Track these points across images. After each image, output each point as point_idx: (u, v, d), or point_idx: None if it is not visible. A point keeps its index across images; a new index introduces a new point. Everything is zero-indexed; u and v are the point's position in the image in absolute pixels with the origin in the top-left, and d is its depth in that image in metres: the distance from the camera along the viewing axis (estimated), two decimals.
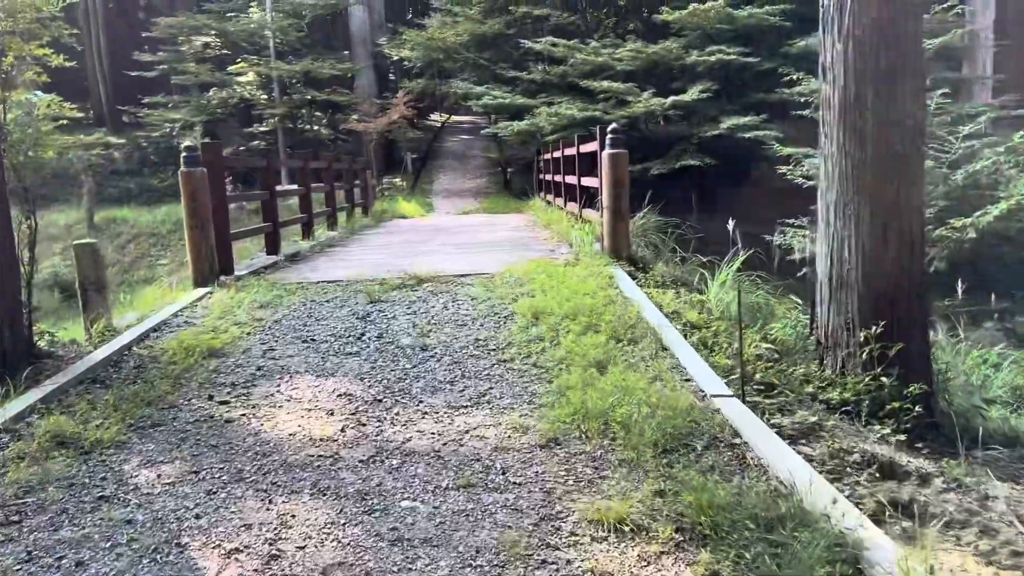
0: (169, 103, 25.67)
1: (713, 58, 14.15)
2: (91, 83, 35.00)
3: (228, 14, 24.89)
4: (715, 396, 3.98)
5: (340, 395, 4.35)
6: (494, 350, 5.04)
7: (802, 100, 10.33)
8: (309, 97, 23.72)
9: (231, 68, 24.01)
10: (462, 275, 7.45)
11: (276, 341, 5.42)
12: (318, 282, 7.38)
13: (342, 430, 3.87)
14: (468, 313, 5.95)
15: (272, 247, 9.34)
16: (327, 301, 6.56)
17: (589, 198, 9.51)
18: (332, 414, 4.07)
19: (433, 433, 3.79)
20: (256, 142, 25.61)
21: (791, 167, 9.79)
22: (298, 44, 25.03)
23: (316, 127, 24.98)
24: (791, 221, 10.03)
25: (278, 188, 12.23)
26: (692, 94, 14.33)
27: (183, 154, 7.12)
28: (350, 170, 14.89)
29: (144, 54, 25.37)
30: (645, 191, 9.07)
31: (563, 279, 6.67)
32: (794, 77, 9.80)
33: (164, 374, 4.71)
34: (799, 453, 3.52)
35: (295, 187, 11.31)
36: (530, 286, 6.60)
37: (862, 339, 4.62)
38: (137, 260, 20.64)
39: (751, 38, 15.39)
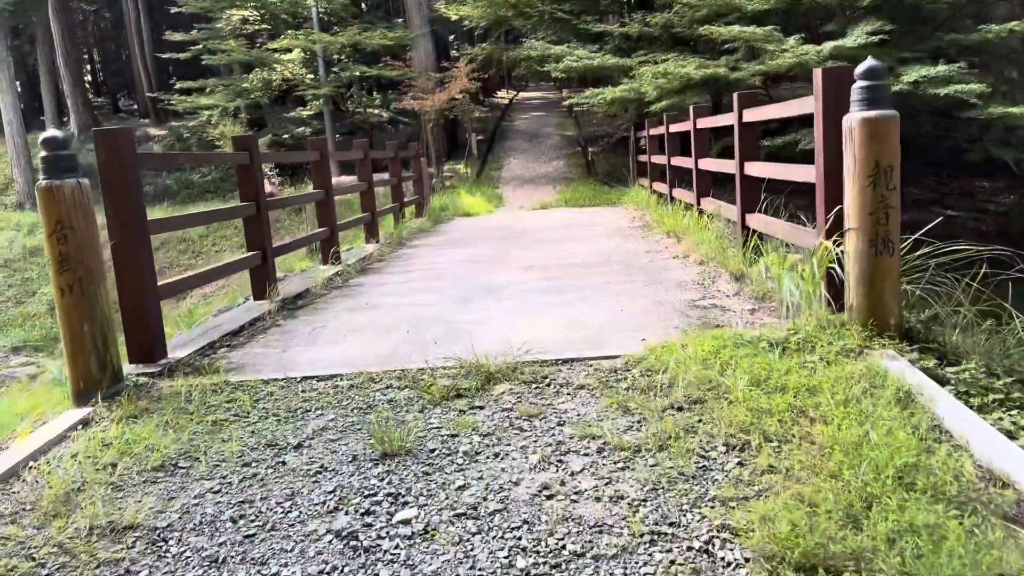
0: (207, 88, 22.86)
1: None
2: (135, 70, 32.74)
3: None
4: None
5: None
6: None
7: None
8: (358, 74, 20.44)
9: (270, 44, 20.92)
10: (564, 360, 3.94)
11: None
12: (301, 379, 3.97)
13: None
14: (606, 523, 2.43)
15: (260, 288, 6.00)
16: (296, 448, 3.14)
17: (749, 193, 5.84)
18: None
19: None
20: (302, 128, 22.58)
21: None
22: (344, 13, 21.79)
23: (368, 108, 21.75)
24: None
25: (296, 194, 8.83)
26: (855, 38, 10.38)
27: (42, 154, 3.79)
28: (397, 159, 11.52)
29: (176, 33, 22.52)
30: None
31: (795, 393, 3.08)
32: None
33: None
34: None
35: (312, 191, 7.95)
36: (729, 413, 3.03)
37: None
38: (164, 270, 17.80)
39: None
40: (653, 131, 11.01)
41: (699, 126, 7.56)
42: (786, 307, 4.23)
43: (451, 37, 33.33)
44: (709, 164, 7.25)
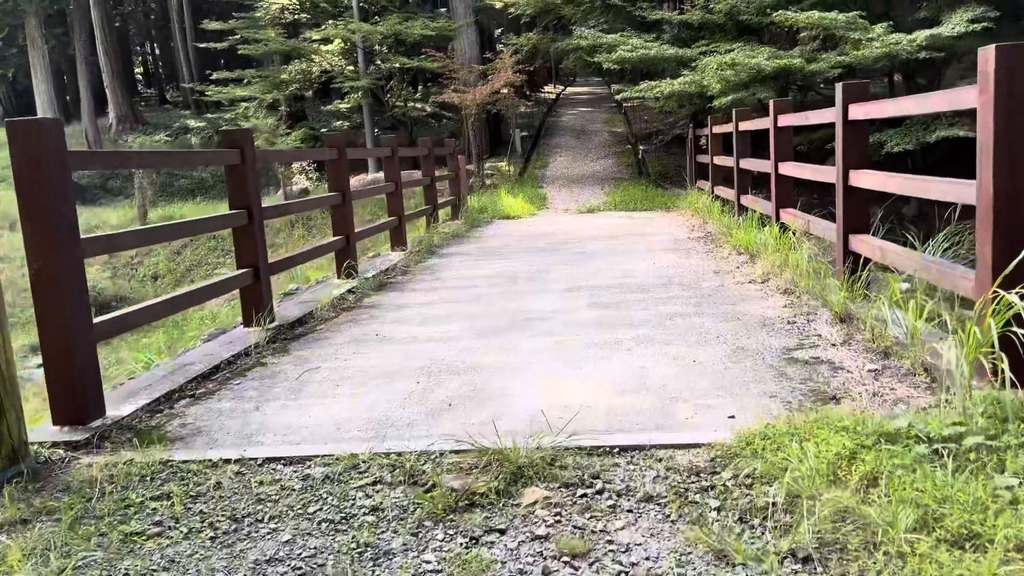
0: (244, 79, 22.15)
1: None
2: (177, 60, 32.38)
3: None
4: None
5: None
6: None
7: None
8: (398, 65, 19.47)
9: (308, 35, 20.09)
10: (622, 448, 2.84)
11: None
12: (263, 461, 2.94)
13: None
14: None
15: (251, 313, 5.00)
16: None
17: (855, 209, 4.65)
18: None
19: None
20: (340, 122, 21.77)
21: None
22: (386, 1, 20.85)
23: (408, 102, 20.77)
24: None
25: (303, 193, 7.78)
26: (954, 26, 9.02)
27: None
28: (431, 157, 10.49)
29: (214, 22, 21.85)
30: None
31: (1002, 553, 1.92)
32: None
33: None
34: None
35: (326, 194, 6.94)
36: None
37: None
38: (192, 269, 17.14)
39: None
40: (717, 129, 9.80)
41: (781, 124, 6.35)
42: (940, 380, 3.05)
43: (498, 31, 32.26)
44: (794, 170, 6.03)
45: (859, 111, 4.47)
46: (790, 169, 6.14)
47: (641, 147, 19.54)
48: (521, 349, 4.34)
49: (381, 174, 18.75)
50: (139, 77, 52.71)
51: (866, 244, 4.40)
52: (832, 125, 4.81)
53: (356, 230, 7.14)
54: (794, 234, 5.79)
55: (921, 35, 8.94)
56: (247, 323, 5.05)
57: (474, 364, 4.07)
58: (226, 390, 3.89)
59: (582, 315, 5.11)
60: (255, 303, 5.00)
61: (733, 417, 3.03)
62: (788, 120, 6.27)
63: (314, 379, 3.99)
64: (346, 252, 6.74)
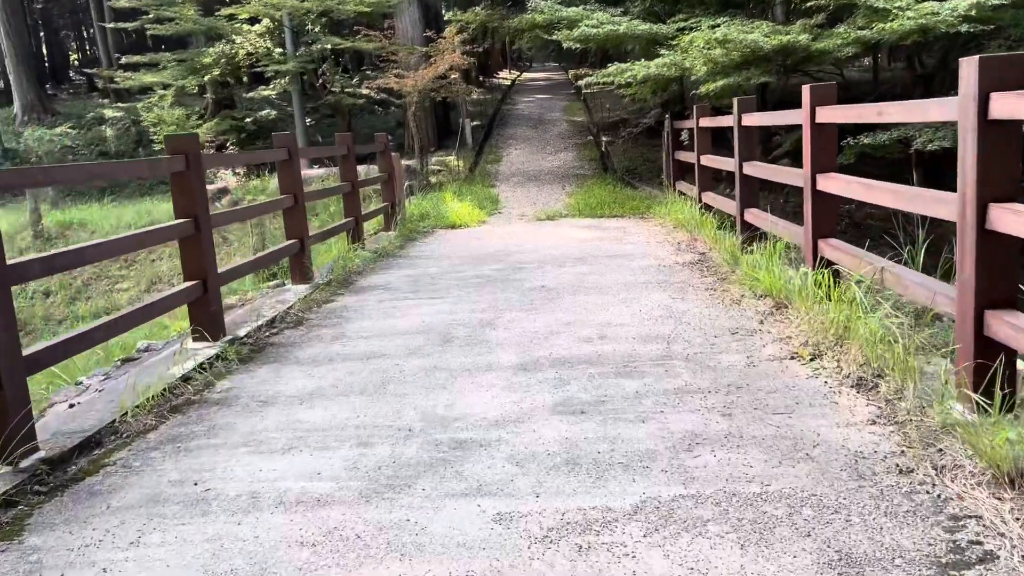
0: (159, 63, 19.71)
1: None
2: (96, 42, 29.56)
3: None
4: None
5: None
6: None
7: None
8: (329, 47, 17.23)
9: (226, 11, 17.70)
10: None
11: None
12: None
13: None
14: None
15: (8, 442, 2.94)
16: None
17: (999, 268, 2.76)
18: None
19: None
20: (267, 111, 19.46)
21: None
22: None
23: (344, 88, 18.53)
24: None
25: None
26: None
27: None
28: (351, 157, 8.40)
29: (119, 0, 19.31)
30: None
31: None
32: None
33: None
34: None
35: (171, 223, 4.83)
36: None
37: None
38: (91, 282, 14.77)
39: None
40: (705, 122, 7.89)
41: (821, 120, 4.43)
42: None
43: (448, 13, 29.95)
44: (858, 190, 4.09)
45: (1018, 107, 2.56)
46: (846, 187, 4.21)
47: (604, 139, 17.63)
48: (434, 542, 2.36)
49: (316, 171, 16.56)
50: (75, 63, 49.30)
51: None
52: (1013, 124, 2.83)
53: (223, 268, 5.08)
54: (859, 284, 3.88)
55: (962, 4, 7.12)
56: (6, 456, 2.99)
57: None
58: None
59: (543, 435, 3.16)
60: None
61: None
62: (832, 115, 4.35)
63: None
64: (203, 304, 4.68)
